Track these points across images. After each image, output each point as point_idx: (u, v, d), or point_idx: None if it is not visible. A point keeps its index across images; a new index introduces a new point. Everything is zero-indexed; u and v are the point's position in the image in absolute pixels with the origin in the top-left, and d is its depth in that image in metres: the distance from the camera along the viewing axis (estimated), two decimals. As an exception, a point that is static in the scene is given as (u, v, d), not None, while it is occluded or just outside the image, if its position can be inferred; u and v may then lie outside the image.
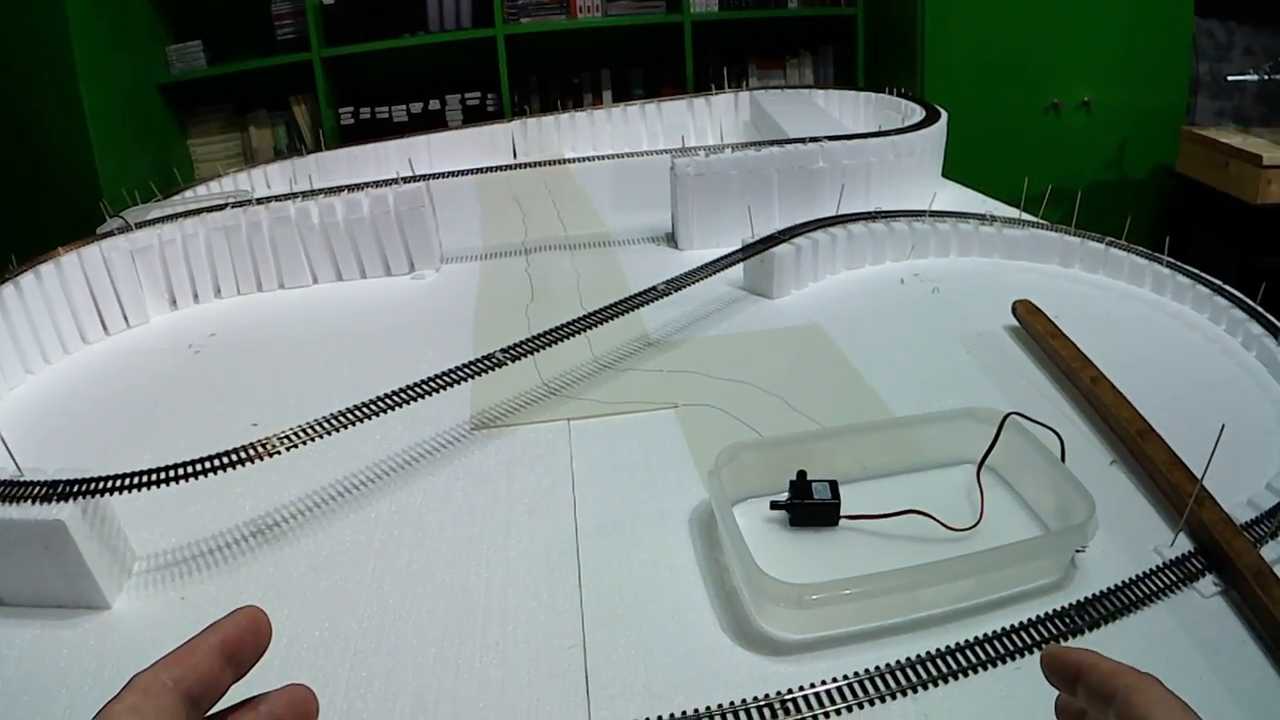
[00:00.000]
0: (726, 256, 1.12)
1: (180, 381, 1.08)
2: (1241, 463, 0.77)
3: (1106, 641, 0.60)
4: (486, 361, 0.86)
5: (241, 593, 0.69)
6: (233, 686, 0.34)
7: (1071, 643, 0.60)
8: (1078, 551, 0.68)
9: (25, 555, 0.66)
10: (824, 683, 0.57)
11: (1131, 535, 0.71)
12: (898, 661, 0.58)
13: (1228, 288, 1.10)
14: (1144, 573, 0.66)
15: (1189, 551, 0.68)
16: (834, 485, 0.73)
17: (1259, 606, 0.60)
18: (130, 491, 0.69)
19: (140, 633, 0.66)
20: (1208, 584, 0.65)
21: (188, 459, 0.71)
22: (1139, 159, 2.93)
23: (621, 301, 0.99)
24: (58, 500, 0.66)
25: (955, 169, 1.67)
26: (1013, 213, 1.38)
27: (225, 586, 0.71)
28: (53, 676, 0.62)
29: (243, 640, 0.34)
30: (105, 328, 1.21)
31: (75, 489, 0.67)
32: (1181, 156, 2.86)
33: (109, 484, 0.69)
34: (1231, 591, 0.64)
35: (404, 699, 0.58)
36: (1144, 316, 1.12)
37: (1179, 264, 1.17)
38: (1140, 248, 1.21)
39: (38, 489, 0.67)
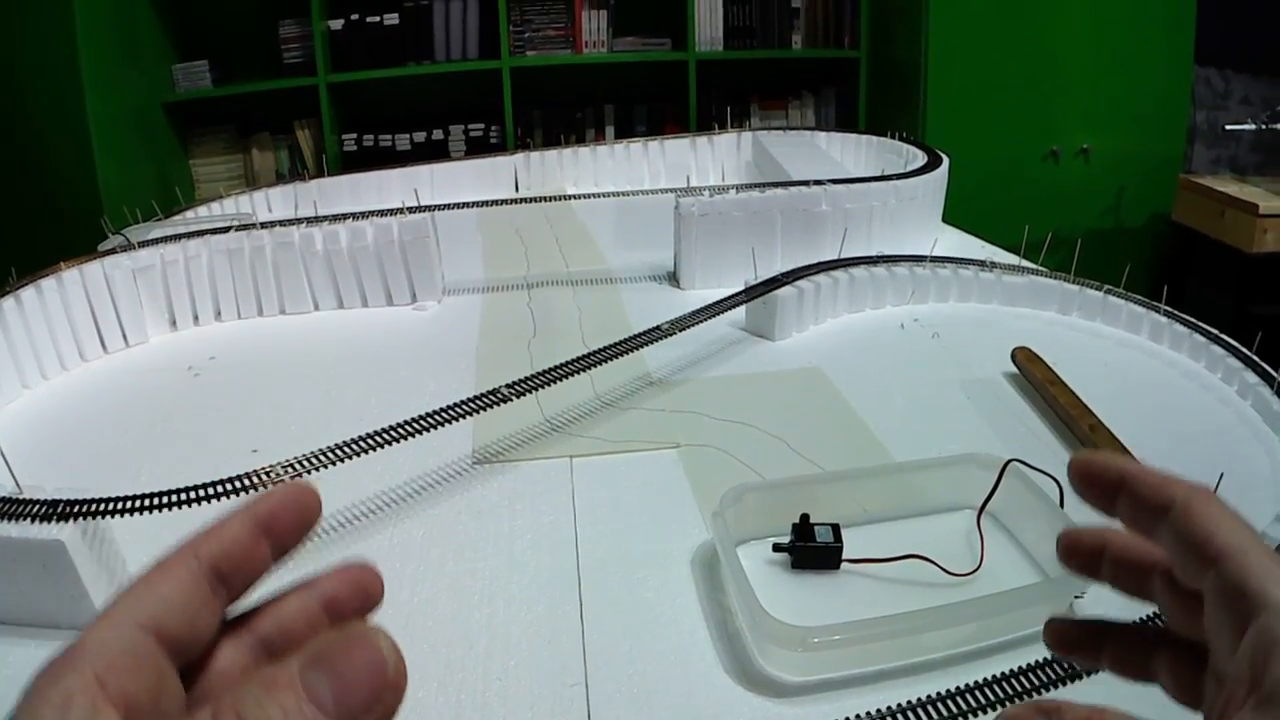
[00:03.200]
0: (730, 297, 1.13)
1: (179, 403, 1.08)
2: (1240, 509, 0.77)
3: (1106, 687, 0.60)
4: (492, 396, 0.86)
5: (240, 621, 0.69)
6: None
7: (1068, 690, 0.60)
8: (1077, 598, 0.68)
9: (22, 574, 0.66)
10: (829, 727, 0.57)
11: None
12: (898, 704, 0.58)
13: (1224, 336, 1.11)
14: (1141, 619, 0.65)
15: None
16: (836, 529, 0.73)
17: None
18: (131, 514, 0.68)
19: (136, 658, 0.66)
20: None
21: (186, 483, 0.71)
22: (1136, 207, 2.96)
23: (625, 340, 0.99)
24: (58, 520, 0.66)
25: (956, 214, 1.68)
26: (1012, 259, 1.39)
27: (223, 614, 0.70)
28: (46, 700, 0.61)
29: (281, 513, 0.30)
30: (104, 346, 1.20)
31: (76, 509, 0.67)
32: (1178, 204, 2.88)
33: (110, 506, 0.68)
34: None
35: (404, 733, 0.57)
36: (1141, 364, 1.13)
37: (1176, 312, 1.18)
38: (1138, 296, 1.23)
39: (37, 508, 0.66)
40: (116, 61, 2.69)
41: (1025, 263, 1.36)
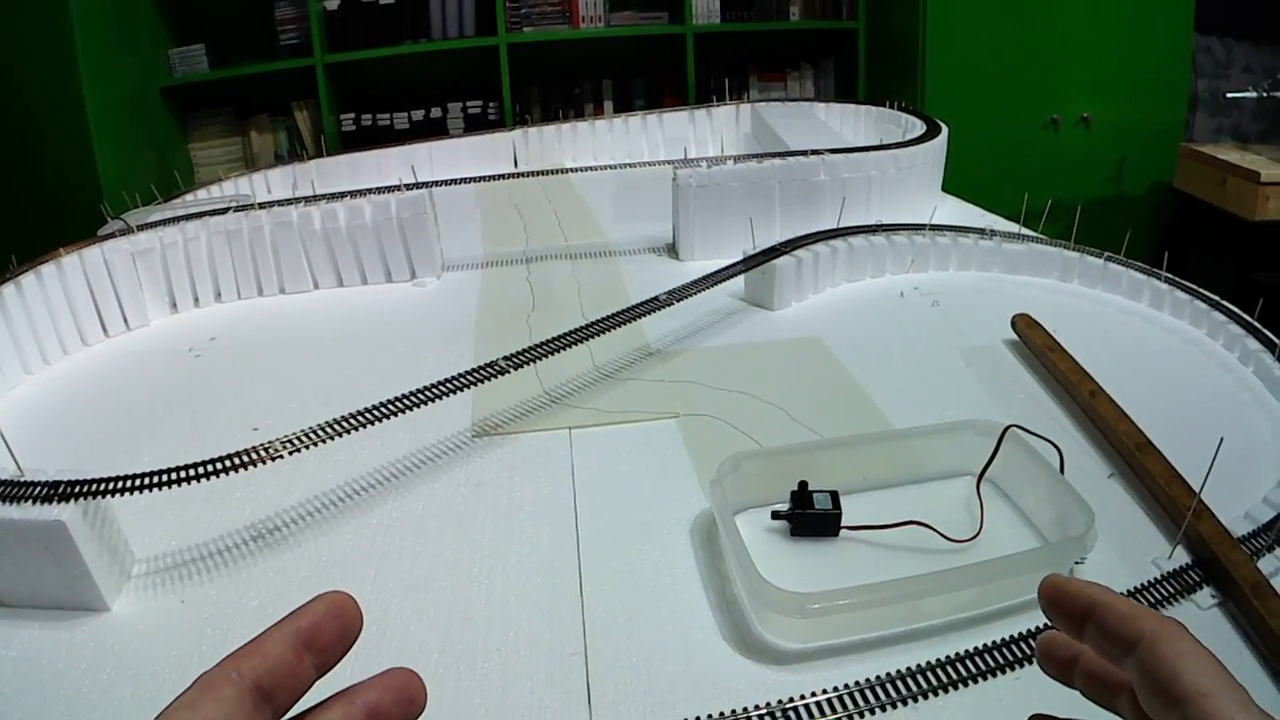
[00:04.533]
0: (728, 268, 1.13)
1: (180, 385, 1.08)
2: (1238, 476, 0.77)
3: None
4: (490, 369, 0.86)
5: (242, 597, 0.69)
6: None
7: None
8: (1077, 563, 0.68)
9: (25, 556, 0.66)
10: (824, 691, 0.57)
11: (1129, 548, 0.71)
12: (898, 671, 0.59)
13: (1225, 303, 1.10)
14: (1142, 585, 0.66)
15: (1186, 564, 0.68)
16: (835, 496, 0.73)
17: (1256, 619, 0.61)
18: (132, 493, 0.68)
19: (139, 635, 0.66)
20: (1205, 596, 0.65)
21: (188, 462, 0.71)
22: (1137, 175, 2.94)
23: (623, 311, 0.99)
24: (59, 501, 0.66)
25: (955, 183, 1.67)
26: (1012, 227, 1.39)
27: (225, 590, 0.70)
28: (50, 678, 0.62)
29: (322, 626, 0.29)
30: (105, 329, 1.20)
31: (76, 490, 0.67)
32: (1179, 173, 2.87)
33: (111, 485, 0.68)
34: (1229, 604, 0.64)
35: (405, 704, 0.58)
36: (1142, 331, 1.13)
37: (1177, 279, 1.17)
38: (1138, 263, 1.22)
39: (39, 489, 0.67)
40: (113, 47, 2.69)
41: (1025, 230, 1.36)
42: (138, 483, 0.69)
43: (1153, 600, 0.65)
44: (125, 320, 1.23)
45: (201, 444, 0.74)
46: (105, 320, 1.20)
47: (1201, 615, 0.64)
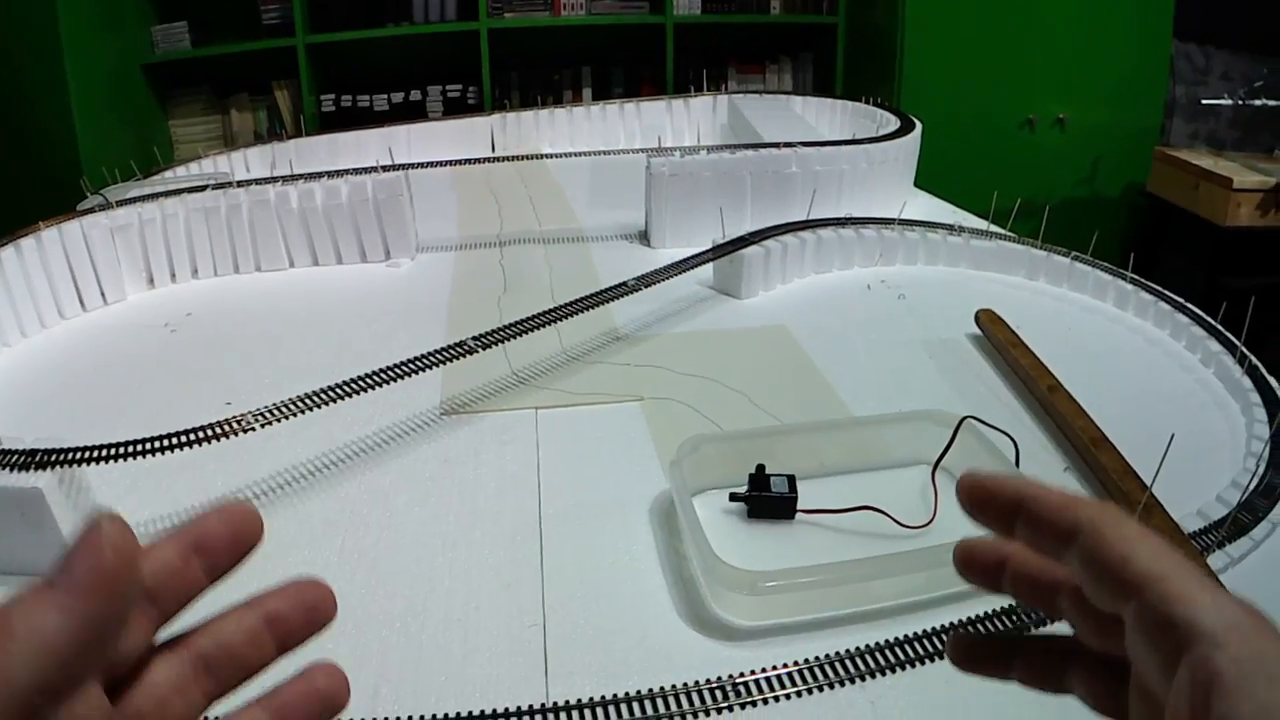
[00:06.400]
0: (696, 256, 1.15)
1: (156, 359, 1.09)
2: (1194, 475, 0.80)
3: None
4: (458, 349, 0.88)
5: (211, 565, 0.71)
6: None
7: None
8: None
9: (2, 522, 0.67)
10: (775, 668, 0.59)
11: None
12: (847, 650, 0.61)
13: (1188, 305, 1.12)
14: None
15: None
16: (792, 480, 0.75)
17: None
18: (107, 463, 0.70)
19: (110, 601, 0.68)
20: None
21: (162, 433, 0.73)
22: (1112, 177, 2.97)
23: (591, 295, 1.01)
24: (35, 469, 0.67)
25: (928, 180, 1.70)
26: (981, 224, 1.41)
27: (195, 559, 0.72)
28: (23, 641, 0.64)
29: (212, 531, 0.28)
30: (83, 304, 1.21)
31: (53, 458, 0.68)
32: (1153, 176, 2.90)
33: (86, 454, 0.70)
34: None
35: (368, 671, 0.60)
36: (1105, 330, 1.15)
37: (1142, 280, 1.20)
38: (1105, 263, 1.24)
39: (15, 457, 0.68)
40: (96, 23, 2.67)
41: (994, 227, 1.38)
42: (112, 452, 0.71)
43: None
44: (103, 295, 1.23)
45: (176, 417, 0.75)
46: (83, 294, 1.21)
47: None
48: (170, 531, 0.28)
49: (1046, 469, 0.82)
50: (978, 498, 0.31)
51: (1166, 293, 1.16)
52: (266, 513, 0.76)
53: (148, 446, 0.71)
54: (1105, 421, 0.84)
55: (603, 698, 0.57)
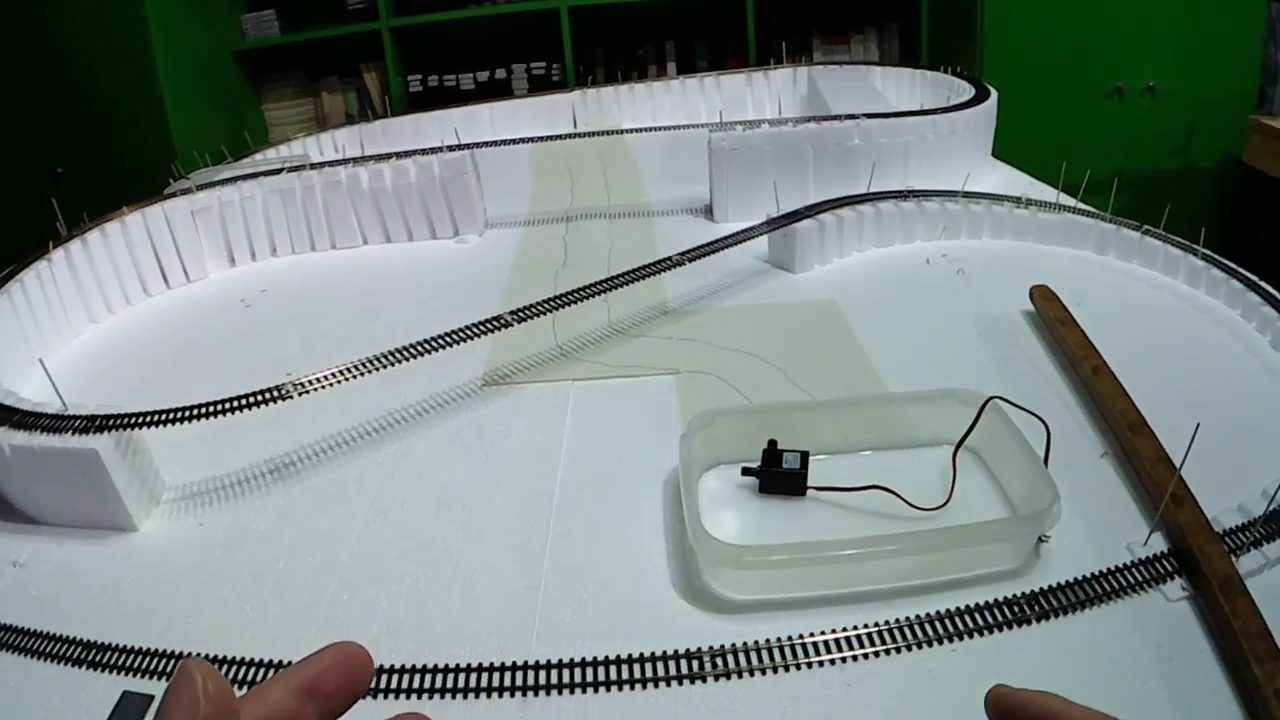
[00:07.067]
0: (745, 230, 1.15)
1: (228, 332, 1.17)
2: (1245, 467, 0.74)
3: (1052, 635, 0.60)
4: (495, 322, 0.91)
5: (251, 522, 0.77)
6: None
7: (1014, 634, 0.60)
8: (1042, 540, 0.67)
9: (64, 480, 0.75)
10: (755, 644, 0.60)
11: (1106, 530, 0.69)
12: (830, 630, 0.60)
13: (1262, 284, 1.05)
14: (1107, 569, 0.64)
15: (1161, 552, 0.65)
16: (804, 456, 0.75)
17: (1220, 616, 0.58)
18: (156, 426, 0.76)
19: (160, 551, 0.75)
20: (1176, 588, 0.63)
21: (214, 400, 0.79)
22: (1205, 147, 2.83)
23: (634, 270, 1.03)
24: (94, 432, 0.74)
25: (1011, 151, 1.65)
26: (1050, 195, 1.37)
27: (238, 515, 0.78)
28: (81, 585, 0.71)
29: (327, 674, 0.28)
30: (166, 281, 1.30)
31: (110, 422, 0.75)
32: (1249, 147, 2.73)
33: (140, 419, 0.76)
34: (1199, 598, 0.61)
35: (375, 620, 0.64)
36: (1172, 309, 1.09)
37: (1214, 256, 1.13)
38: (1176, 238, 1.18)
39: (77, 422, 0.75)
40: (185, 14, 2.81)
41: (1064, 199, 1.34)
42: (164, 417, 0.77)
43: (1116, 586, 0.63)
44: (186, 273, 1.32)
45: (237, 386, 0.81)
46: (167, 273, 1.30)
47: (1168, 607, 0.61)
48: (286, 672, 0.28)
49: (1083, 454, 0.79)
50: (1003, 711, 0.31)
51: (1239, 270, 1.09)
52: (307, 473, 0.83)
53: (195, 413, 0.77)
54: (1156, 405, 0.79)
55: (583, 659, 0.59)
